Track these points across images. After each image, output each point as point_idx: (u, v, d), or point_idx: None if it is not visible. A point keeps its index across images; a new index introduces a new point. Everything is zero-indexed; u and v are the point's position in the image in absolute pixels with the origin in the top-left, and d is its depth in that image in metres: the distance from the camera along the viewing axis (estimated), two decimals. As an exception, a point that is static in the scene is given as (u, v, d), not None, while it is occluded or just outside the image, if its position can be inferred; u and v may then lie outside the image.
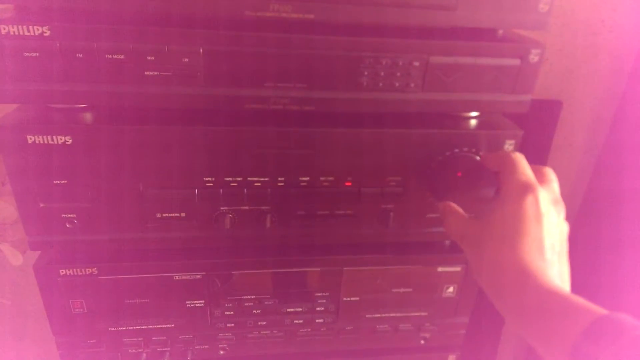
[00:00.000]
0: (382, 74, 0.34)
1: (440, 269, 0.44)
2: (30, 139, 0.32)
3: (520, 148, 0.41)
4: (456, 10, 0.33)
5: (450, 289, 0.45)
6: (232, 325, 0.43)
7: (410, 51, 0.34)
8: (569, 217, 0.32)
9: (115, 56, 0.30)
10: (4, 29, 0.29)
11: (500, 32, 0.37)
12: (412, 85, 0.35)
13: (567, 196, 0.65)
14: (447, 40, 0.34)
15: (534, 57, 0.35)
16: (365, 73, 0.34)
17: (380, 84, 0.35)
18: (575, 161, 0.80)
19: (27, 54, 0.30)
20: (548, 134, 0.81)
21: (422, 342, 0.48)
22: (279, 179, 0.37)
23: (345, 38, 0.33)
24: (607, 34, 0.66)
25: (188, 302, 0.41)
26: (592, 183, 0.79)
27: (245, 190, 0.37)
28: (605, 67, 0.70)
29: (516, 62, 0.36)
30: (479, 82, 0.36)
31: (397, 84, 0.35)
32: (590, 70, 0.70)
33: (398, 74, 0.34)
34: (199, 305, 0.42)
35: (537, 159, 0.76)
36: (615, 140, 0.73)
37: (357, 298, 0.44)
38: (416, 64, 0.34)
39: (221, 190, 0.36)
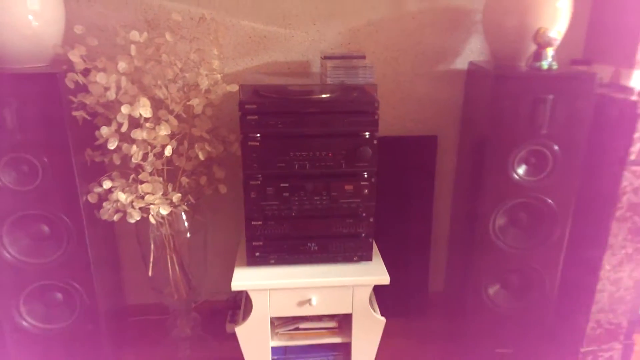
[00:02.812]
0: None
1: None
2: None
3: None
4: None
5: (358, 200, 1.38)
6: (297, 202, 1.37)
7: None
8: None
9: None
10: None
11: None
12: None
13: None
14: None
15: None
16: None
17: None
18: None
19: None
20: (431, 159, 1.75)
21: (363, 214, 1.40)
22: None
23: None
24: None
25: (284, 193, 1.36)
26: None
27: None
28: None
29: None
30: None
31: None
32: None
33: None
34: (287, 195, 1.36)
35: (427, 179, 1.75)
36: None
37: (336, 193, 1.38)
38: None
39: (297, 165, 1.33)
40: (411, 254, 1.82)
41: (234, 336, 1.59)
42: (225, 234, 1.78)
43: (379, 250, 1.50)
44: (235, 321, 1.75)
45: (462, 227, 1.65)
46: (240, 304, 1.62)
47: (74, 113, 1.26)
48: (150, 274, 1.53)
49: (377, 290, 1.51)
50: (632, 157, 1.36)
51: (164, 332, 1.73)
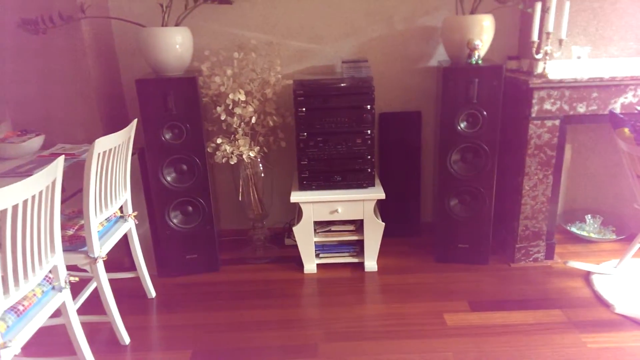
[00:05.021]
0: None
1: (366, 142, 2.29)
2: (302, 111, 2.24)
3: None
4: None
5: (364, 148, 2.29)
6: (328, 149, 2.30)
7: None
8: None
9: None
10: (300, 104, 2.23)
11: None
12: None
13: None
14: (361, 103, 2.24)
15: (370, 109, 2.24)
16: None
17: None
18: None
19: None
20: (418, 127, 2.65)
21: (368, 157, 2.31)
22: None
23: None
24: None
25: (320, 144, 2.29)
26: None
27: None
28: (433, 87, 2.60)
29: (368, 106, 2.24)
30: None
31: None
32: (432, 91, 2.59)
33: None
34: (322, 145, 2.30)
35: (415, 140, 2.69)
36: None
37: (351, 143, 2.30)
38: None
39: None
40: (408, 193, 2.71)
41: (289, 247, 2.55)
42: (283, 181, 2.73)
43: (385, 192, 2.39)
44: (291, 237, 2.70)
45: (435, 166, 2.53)
46: (292, 226, 2.56)
47: (203, 99, 2.25)
48: (240, 198, 2.51)
49: (385, 218, 2.41)
50: (533, 115, 2.21)
51: (246, 242, 2.70)
